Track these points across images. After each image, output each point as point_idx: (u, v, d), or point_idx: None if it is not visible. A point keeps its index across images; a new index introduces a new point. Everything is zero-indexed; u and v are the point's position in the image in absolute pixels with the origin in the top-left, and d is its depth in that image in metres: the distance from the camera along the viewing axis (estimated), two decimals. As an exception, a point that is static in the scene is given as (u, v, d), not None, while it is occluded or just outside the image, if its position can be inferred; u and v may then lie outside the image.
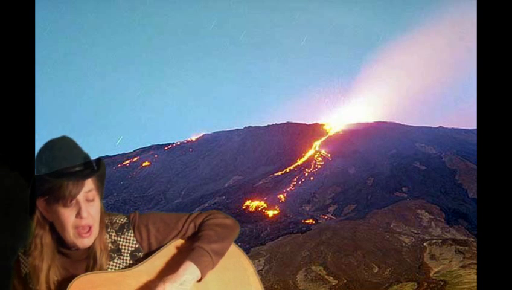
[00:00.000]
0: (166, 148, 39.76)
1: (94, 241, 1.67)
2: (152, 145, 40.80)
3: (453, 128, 38.69)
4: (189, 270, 1.65)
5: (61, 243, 1.67)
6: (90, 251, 1.68)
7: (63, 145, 1.63)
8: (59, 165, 1.60)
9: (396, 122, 39.98)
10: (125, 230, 1.74)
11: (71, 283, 1.59)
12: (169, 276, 1.65)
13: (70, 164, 1.61)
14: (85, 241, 1.65)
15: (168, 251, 1.74)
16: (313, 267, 18.82)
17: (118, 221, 1.75)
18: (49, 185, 1.59)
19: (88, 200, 1.64)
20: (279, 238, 21.32)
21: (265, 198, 26.59)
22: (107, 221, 1.74)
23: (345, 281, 17.95)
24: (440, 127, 38.68)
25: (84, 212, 1.62)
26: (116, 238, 1.73)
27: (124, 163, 37.27)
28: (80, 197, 1.62)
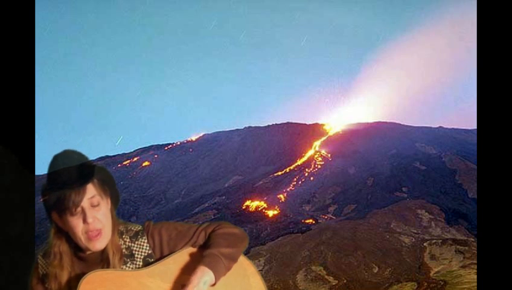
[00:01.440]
0: (166, 148, 39.79)
1: (107, 244, 1.75)
2: (152, 145, 40.86)
3: (453, 128, 38.77)
4: (203, 275, 1.71)
5: (78, 249, 1.76)
6: (103, 254, 1.75)
7: (61, 159, 1.72)
8: (58, 177, 1.70)
9: (396, 122, 40.11)
10: (139, 237, 1.82)
11: (78, 285, 1.63)
12: (184, 283, 1.70)
13: (67, 175, 1.70)
14: (97, 245, 1.72)
15: (179, 256, 1.78)
16: (313, 267, 18.84)
17: (132, 228, 1.83)
18: (55, 197, 1.69)
19: (93, 206, 1.71)
20: (279, 238, 21.33)
21: (265, 198, 26.60)
22: (122, 228, 1.81)
23: (345, 281, 17.96)
24: (440, 127, 38.74)
25: (89, 218, 1.69)
26: (130, 244, 1.80)
27: (124, 163, 37.30)
28: (84, 204, 1.70)
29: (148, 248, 1.80)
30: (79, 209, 1.68)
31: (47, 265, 1.75)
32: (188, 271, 1.74)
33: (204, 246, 1.80)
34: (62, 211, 1.69)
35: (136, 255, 1.79)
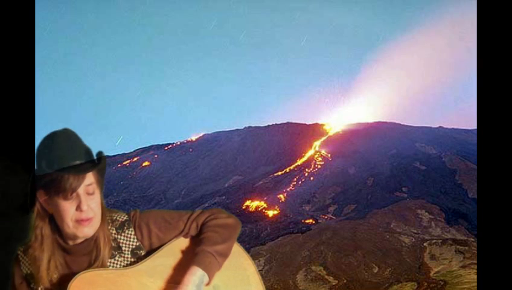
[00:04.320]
0: (166, 148, 39.77)
1: (98, 233, 1.68)
2: (152, 145, 40.82)
3: (453, 128, 38.71)
4: (197, 275, 1.65)
5: (61, 236, 1.67)
6: (92, 244, 1.68)
7: (64, 138, 1.64)
8: (59, 157, 1.60)
9: (396, 122, 40.03)
10: (125, 228, 1.74)
11: (71, 281, 1.58)
12: (177, 284, 1.65)
13: (71, 156, 1.61)
14: (85, 230, 1.65)
15: (169, 250, 1.73)
16: (313, 267, 18.82)
17: (118, 218, 1.75)
18: (50, 177, 1.60)
19: (88, 194, 1.64)
20: (279, 238, 21.32)
21: (265, 198, 26.58)
22: (107, 218, 1.73)
23: (345, 281, 17.95)
24: (440, 127, 38.69)
25: (84, 206, 1.62)
26: (116, 236, 1.72)
27: (124, 163, 37.27)
28: (81, 190, 1.62)
29: (135, 240, 1.72)
30: (74, 194, 1.60)
31: (28, 255, 1.66)
32: (182, 266, 1.69)
33: (196, 237, 1.74)
34: (54, 193, 1.60)
35: (123, 248, 1.72)
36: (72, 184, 1.60)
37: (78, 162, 1.62)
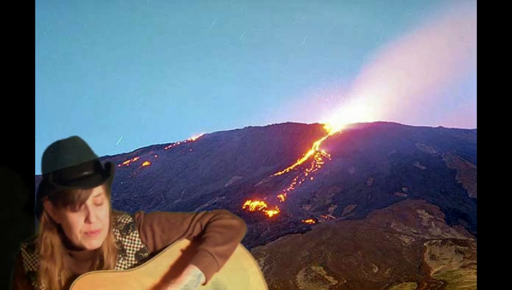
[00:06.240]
0: (166, 148, 39.77)
1: (102, 243, 1.65)
2: (152, 145, 40.83)
3: (453, 128, 38.71)
4: (192, 274, 1.63)
5: (67, 244, 1.64)
6: (96, 251, 1.65)
7: (71, 147, 1.59)
8: (67, 170, 1.55)
9: (396, 122, 40.02)
10: (130, 230, 1.71)
11: (74, 282, 1.58)
12: (172, 280, 1.63)
13: (79, 168, 1.57)
14: (93, 243, 1.62)
15: (172, 251, 1.72)
16: (313, 267, 18.82)
17: (122, 221, 1.72)
18: (57, 189, 1.55)
19: (97, 205, 1.60)
20: (279, 238, 21.31)
21: (265, 198, 26.58)
22: (112, 221, 1.70)
23: (345, 281, 17.95)
24: (440, 127, 38.69)
25: (93, 217, 1.59)
26: (120, 238, 1.70)
27: (124, 163, 37.27)
28: (89, 202, 1.58)
29: (140, 243, 1.70)
30: (82, 206, 1.57)
31: (33, 261, 1.63)
32: (184, 266, 1.67)
33: (199, 237, 1.72)
34: (62, 205, 1.56)
35: (127, 251, 1.69)
36: (81, 196, 1.56)
37: (86, 173, 1.57)
